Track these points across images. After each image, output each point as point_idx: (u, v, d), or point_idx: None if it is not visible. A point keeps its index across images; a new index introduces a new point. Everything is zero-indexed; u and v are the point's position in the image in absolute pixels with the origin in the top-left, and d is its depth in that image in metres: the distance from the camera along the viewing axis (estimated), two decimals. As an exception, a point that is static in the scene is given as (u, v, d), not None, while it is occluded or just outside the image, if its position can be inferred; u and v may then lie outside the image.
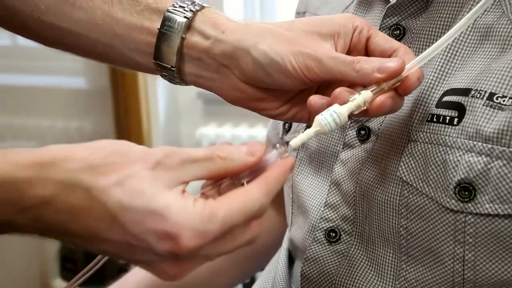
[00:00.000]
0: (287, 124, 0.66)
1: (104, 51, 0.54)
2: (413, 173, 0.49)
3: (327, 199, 0.57)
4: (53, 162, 0.39)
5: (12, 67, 1.90)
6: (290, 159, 0.42)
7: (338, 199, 0.56)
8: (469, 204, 0.46)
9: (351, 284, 0.55)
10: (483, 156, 0.45)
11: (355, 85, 0.46)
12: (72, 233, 0.39)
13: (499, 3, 0.49)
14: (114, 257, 0.42)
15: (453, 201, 0.46)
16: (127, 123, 1.79)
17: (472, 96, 0.47)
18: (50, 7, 0.54)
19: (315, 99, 0.46)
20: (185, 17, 0.50)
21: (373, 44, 0.49)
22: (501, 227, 0.45)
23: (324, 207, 0.57)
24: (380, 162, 0.52)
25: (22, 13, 0.55)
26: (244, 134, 1.79)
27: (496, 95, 0.46)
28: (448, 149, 0.47)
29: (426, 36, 0.52)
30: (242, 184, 0.41)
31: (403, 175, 0.50)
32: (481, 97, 0.46)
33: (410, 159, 0.49)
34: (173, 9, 0.51)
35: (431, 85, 0.50)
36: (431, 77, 0.50)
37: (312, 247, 0.57)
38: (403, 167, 0.50)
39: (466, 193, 0.46)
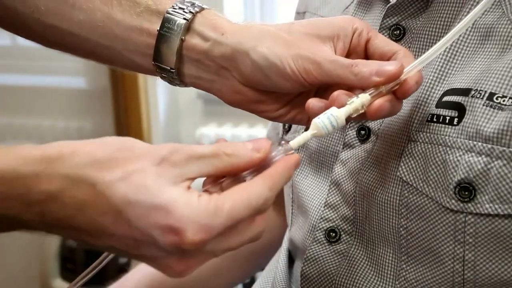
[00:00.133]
0: (287, 125, 0.66)
1: (104, 53, 0.54)
2: (413, 173, 0.49)
3: (327, 199, 0.57)
4: (59, 157, 0.39)
5: (12, 67, 1.91)
6: (295, 156, 0.42)
7: (338, 199, 0.56)
8: (469, 204, 0.46)
9: (351, 284, 0.55)
10: (483, 156, 0.45)
11: (353, 88, 0.46)
12: (78, 228, 0.39)
13: (499, 4, 0.49)
14: (119, 254, 0.42)
15: (453, 201, 0.46)
16: (127, 123, 1.79)
17: (472, 96, 0.47)
18: (50, 8, 0.54)
19: (313, 102, 0.46)
20: (184, 18, 0.50)
21: (373, 47, 0.49)
22: (501, 227, 0.45)
23: (324, 207, 0.57)
24: (380, 162, 0.52)
25: (22, 14, 0.55)
26: (244, 134, 1.79)
27: (496, 95, 0.46)
28: (448, 149, 0.47)
29: (426, 36, 0.52)
30: (245, 181, 0.41)
31: (403, 175, 0.50)
32: (481, 97, 0.46)
33: (410, 159, 0.49)
34: (172, 11, 0.50)
35: (431, 85, 0.50)
36: (431, 77, 0.50)
37: (312, 247, 0.57)
38: (403, 167, 0.50)
39: (466, 193, 0.46)
